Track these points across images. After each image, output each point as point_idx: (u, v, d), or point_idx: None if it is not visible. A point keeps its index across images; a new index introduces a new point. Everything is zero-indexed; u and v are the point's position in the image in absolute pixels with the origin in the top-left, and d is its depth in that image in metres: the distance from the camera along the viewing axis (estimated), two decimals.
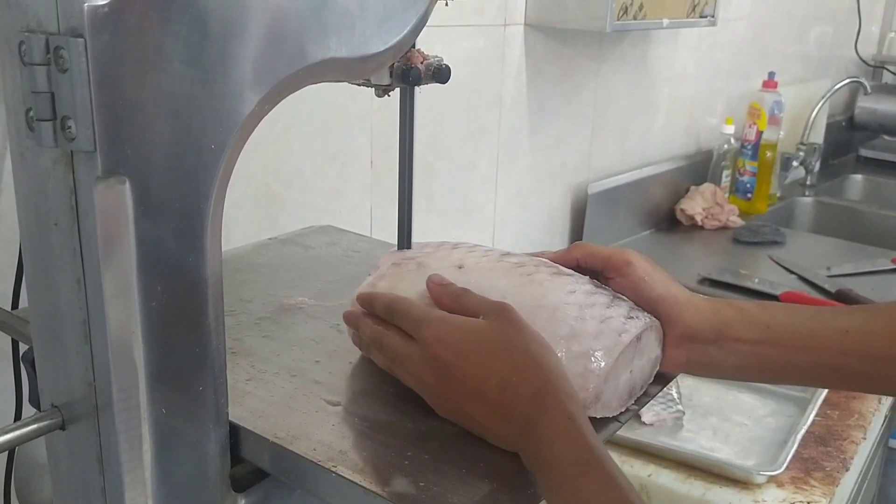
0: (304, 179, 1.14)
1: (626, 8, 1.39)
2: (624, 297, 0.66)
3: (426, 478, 0.54)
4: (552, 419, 0.53)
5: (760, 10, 2.26)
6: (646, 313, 0.65)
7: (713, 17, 1.63)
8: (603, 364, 0.60)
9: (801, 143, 2.38)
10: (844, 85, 2.50)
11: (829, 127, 2.65)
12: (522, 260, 0.68)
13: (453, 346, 0.57)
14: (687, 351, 0.66)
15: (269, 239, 0.97)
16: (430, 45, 0.67)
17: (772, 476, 1.04)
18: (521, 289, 0.64)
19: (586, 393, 0.59)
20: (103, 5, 0.43)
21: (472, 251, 0.70)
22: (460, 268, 0.67)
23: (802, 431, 1.10)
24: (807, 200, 2.40)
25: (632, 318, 0.63)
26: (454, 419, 0.59)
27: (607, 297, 0.64)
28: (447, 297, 0.63)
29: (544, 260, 0.69)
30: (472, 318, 0.59)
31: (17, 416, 0.83)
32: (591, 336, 0.61)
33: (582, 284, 0.65)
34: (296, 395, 0.63)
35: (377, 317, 0.65)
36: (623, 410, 0.63)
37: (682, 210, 2.00)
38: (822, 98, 2.44)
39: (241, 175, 0.54)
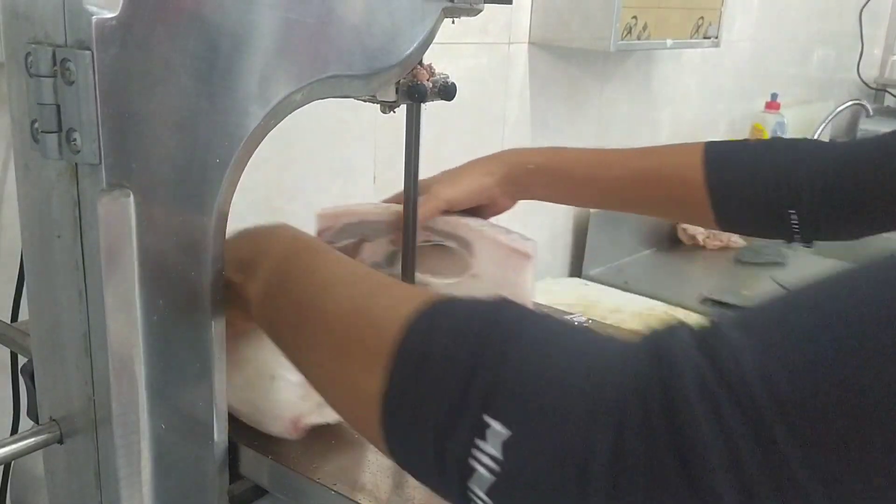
0: (306, 194, 1.14)
1: (631, 28, 1.40)
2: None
3: (425, 498, 0.53)
4: (283, 243, 0.61)
5: (763, 32, 2.26)
6: None
7: (716, 38, 1.63)
8: None
9: None
10: (847, 107, 2.50)
11: None
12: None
13: (234, 248, 0.61)
14: None
15: None
16: (434, 61, 0.67)
17: None
18: None
19: None
20: (111, 18, 0.43)
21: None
22: None
23: None
24: None
25: None
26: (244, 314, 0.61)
27: None
28: None
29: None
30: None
31: (15, 430, 0.82)
32: None
33: None
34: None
35: None
36: None
37: (683, 230, 2.00)
38: (825, 120, 2.45)
39: (243, 189, 0.55)
